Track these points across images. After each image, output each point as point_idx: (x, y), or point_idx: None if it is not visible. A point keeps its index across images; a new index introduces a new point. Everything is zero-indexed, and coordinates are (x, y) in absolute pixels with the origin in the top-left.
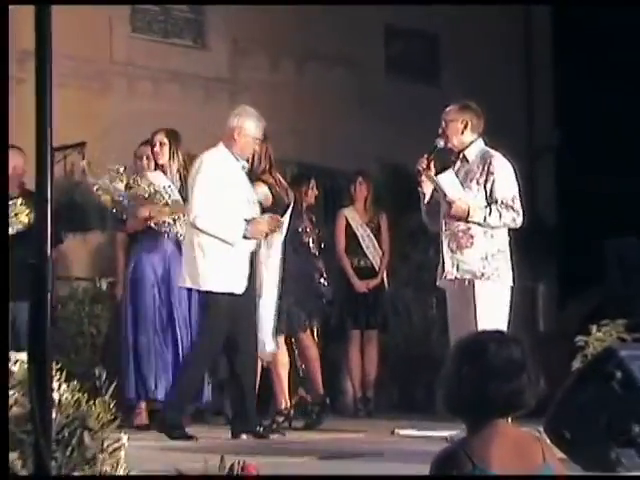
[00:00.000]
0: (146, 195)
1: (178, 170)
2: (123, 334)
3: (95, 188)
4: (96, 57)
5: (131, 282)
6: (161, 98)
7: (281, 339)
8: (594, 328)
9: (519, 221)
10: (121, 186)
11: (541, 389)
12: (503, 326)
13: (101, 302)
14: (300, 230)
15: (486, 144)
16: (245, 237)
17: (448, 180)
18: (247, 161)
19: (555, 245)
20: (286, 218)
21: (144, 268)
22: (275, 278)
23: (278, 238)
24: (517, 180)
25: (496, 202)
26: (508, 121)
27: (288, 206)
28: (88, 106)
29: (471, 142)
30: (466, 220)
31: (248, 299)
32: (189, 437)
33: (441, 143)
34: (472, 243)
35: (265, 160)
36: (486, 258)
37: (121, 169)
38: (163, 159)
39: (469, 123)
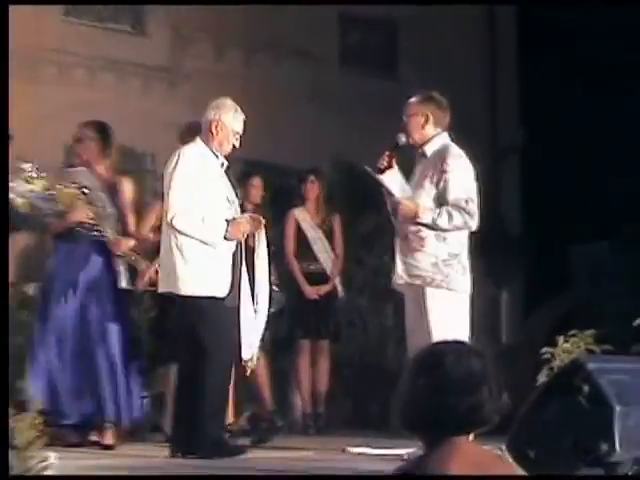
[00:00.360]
0: (70, 197)
1: (108, 169)
2: (36, 345)
3: (10, 194)
4: (24, 43)
5: (44, 290)
6: (96, 87)
7: None
8: (561, 339)
9: (472, 224)
10: (37, 188)
11: (504, 404)
12: (461, 336)
13: (27, 308)
14: None
15: (453, 140)
16: (226, 238)
17: (392, 178)
18: (225, 157)
19: (519, 250)
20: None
21: (61, 274)
22: (265, 280)
23: (263, 237)
24: (476, 180)
25: (447, 203)
26: (471, 120)
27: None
28: (15, 96)
29: (433, 136)
30: (415, 221)
31: (230, 303)
32: (243, 450)
33: (403, 139)
34: (422, 246)
35: None
36: (437, 264)
37: (33, 170)
38: (90, 155)
39: (430, 116)
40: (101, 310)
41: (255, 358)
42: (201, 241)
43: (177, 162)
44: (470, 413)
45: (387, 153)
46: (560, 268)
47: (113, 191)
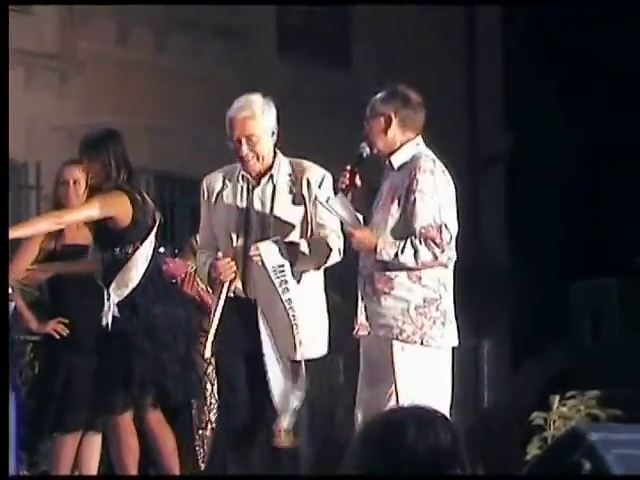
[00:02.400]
0: None
1: None
2: None
3: None
4: None
5: None
6: None
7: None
8: (556, 401)
9: (444, 258)
10: None
11: None
12: (436, 401)
13: None
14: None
15: (427, 146)
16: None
17: (344, 202)
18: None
19: (505, 287)
20: (148, 244)
21: None
22: None
23: None
24: (453, 201)
25: (414, 232)
26: (446, 124)
27: (151, 229)
28: None
29: (402, 144)
30: (375, 257)
31: None
32: None
33: (367, 149)
34: (392, 288)
35: (122, 165)
36: (408, 311)
37: None
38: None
39: (395, 118)
40: None
41: None
42: None
43: None
44: None
45: (348, 168)
46: (555, 311)
47: None
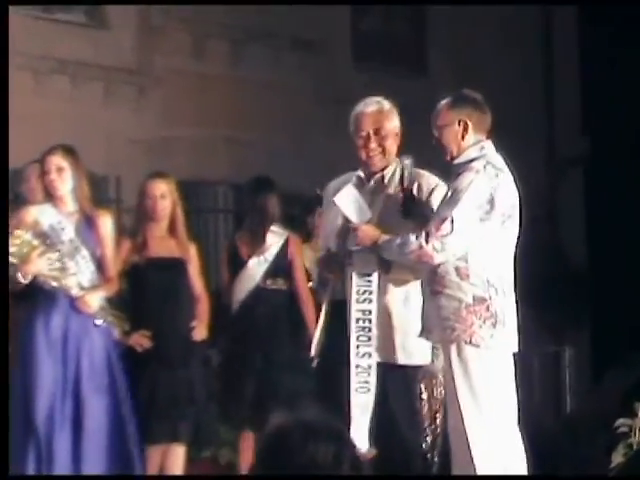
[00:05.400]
0: (28, 247)
1: (81, 202)
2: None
3: None
4: None
5: (21, 356)
6: (44, 95)
7: None
8: None
9: (428, 248)
10: None
11: None
12: (496, 405)
13: None
14: None
15: (503, 149)
16: None
17: (348, 198)
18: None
19: (585, 293)
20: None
21: (35, 336)
22: None
23: None
24: (486, 205)
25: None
26: (523, 127)
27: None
28: None
29: (468, 147)
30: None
31: None
32: None
33: (406, 162)
34: (444, 287)
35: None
36: (459, 310)
37: None
38: (63, 189)
39: (469, 123)
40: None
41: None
42: None
43: None
44: None
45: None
46: (638, 316)
47: (86, 229)
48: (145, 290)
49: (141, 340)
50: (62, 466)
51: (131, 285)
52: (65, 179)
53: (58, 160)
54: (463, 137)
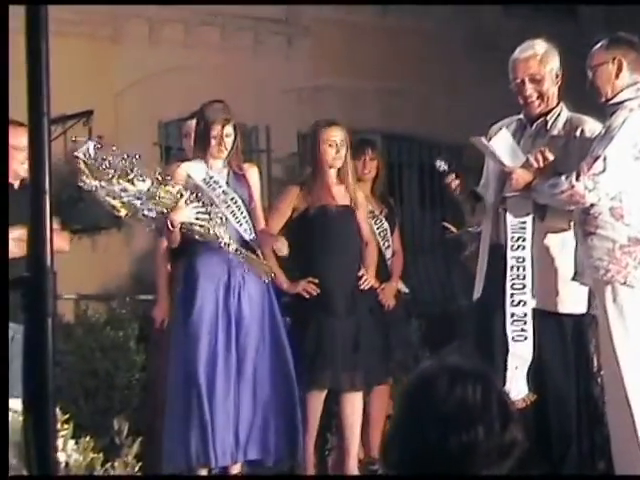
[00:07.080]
0: (178, 196)
1: (232, 169)
2: (166, 377)
3: (102, 194)
4: None
5: (182, 310)
6: (194, 46)
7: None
8: None
9: (579, 187)
10: (131, 187)
11: (509, 443)
12: None
13: (121, 328)
14: None
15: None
16: None
17: (502, 142)
18: None
19: None
20: None
21: (202, 293)
22: None
23: None
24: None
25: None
26: None
27: None
28: (96, 61)
29: (623, 88)
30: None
31: None
32: None
33: (443, 166)
34: (597, 227)
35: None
36: (613, 250)
37: (126, 163)
38: (223, 154)
39: (624, 61)
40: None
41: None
42: None
43: None
44: (461, 455)
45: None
46: None
47: (236, 182)
48: (314, 237)
49: (309, 288)
50: (223, 412)
51: (299, 232)
52: (229, 145)
53: (229, 129)
54: (617, 76)
